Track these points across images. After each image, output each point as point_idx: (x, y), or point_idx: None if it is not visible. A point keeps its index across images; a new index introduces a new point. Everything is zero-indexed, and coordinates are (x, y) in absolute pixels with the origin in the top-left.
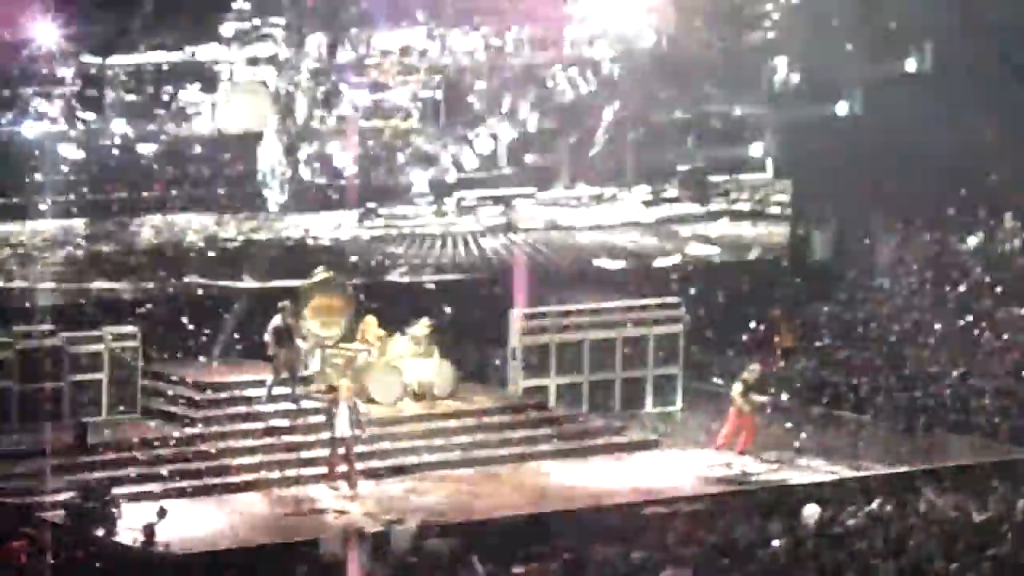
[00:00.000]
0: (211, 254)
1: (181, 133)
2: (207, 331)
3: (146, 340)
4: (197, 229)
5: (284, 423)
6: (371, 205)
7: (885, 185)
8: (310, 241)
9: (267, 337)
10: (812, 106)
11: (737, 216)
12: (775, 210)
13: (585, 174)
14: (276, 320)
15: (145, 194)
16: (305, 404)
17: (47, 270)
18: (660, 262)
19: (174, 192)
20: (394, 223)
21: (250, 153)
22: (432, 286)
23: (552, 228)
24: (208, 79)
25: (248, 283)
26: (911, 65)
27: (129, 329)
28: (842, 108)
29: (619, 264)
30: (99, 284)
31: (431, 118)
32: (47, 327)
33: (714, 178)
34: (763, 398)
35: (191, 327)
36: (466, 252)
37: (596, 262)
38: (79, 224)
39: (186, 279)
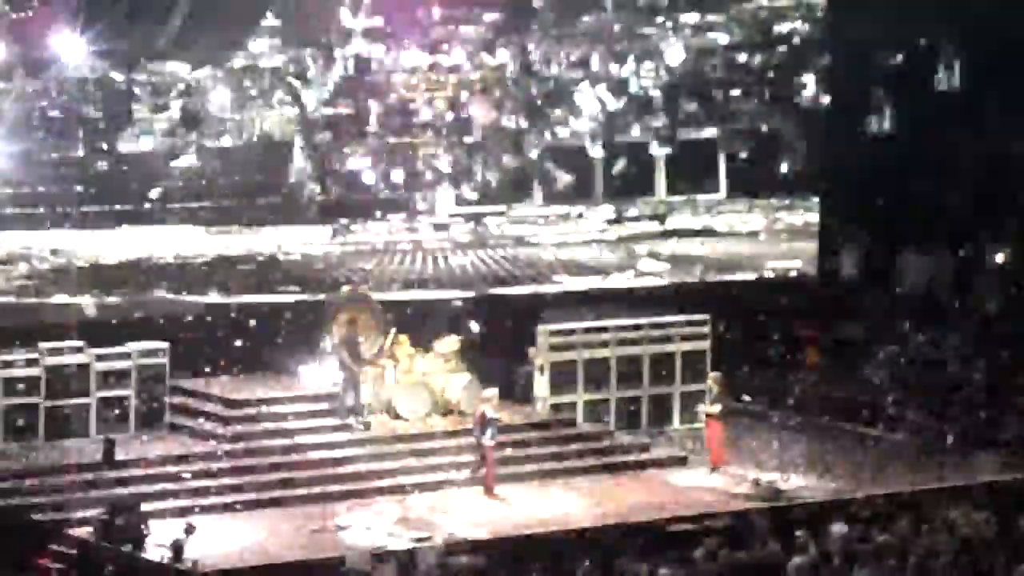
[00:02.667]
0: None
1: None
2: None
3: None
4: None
5: (312, 439)
6: (344, 221)
7: (914, 202)
8: (281, 256)
9: (337, 351)
10: (841, 123)
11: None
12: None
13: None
14: (342, 336)
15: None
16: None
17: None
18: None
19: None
20: (365, 239)
21: (279, 166)
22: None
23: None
24: (238, 94)
25: (215, 298)
26: (942, 83)
27: (157, 344)
28: (872, 125)
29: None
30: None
31: (457, 136)
32: (75, 343)
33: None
34: (713, 407)
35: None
36: (434, 268)
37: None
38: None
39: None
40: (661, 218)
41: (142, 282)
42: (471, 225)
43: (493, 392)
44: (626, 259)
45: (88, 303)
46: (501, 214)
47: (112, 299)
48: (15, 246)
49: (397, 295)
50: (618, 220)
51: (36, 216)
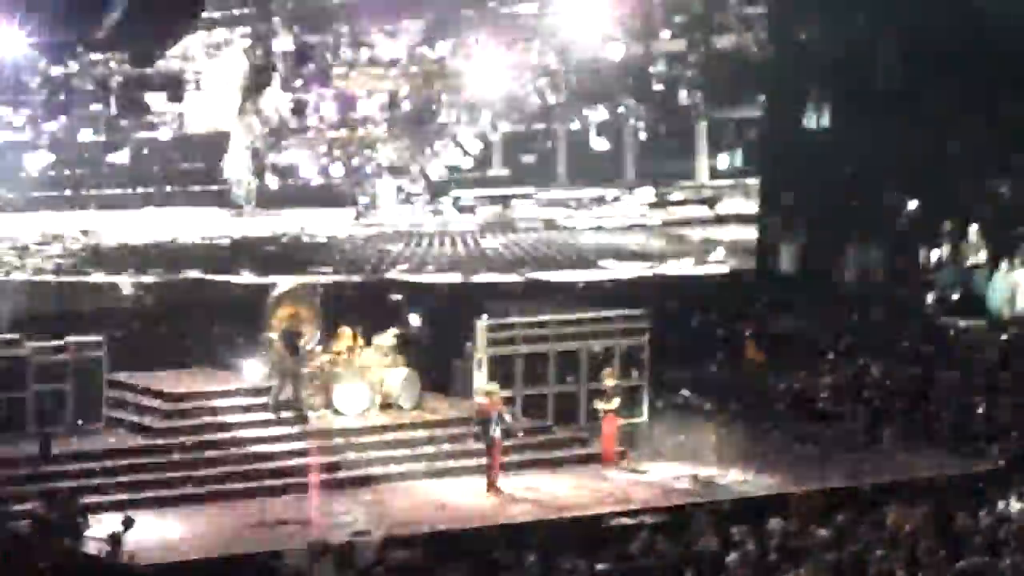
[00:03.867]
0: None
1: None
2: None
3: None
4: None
5: (250, 433)
6: (365, 201)
7: (851, 198)
8: (305, 238)
9: (274, 345)
10: (781, 118)
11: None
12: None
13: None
14: (284, 327)
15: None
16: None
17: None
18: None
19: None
20: (389, 221)
21: (216, 157)
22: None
23: (551, 228)
24: (175, 88)
25: (248, 278)
26: (879, 80)
27: (94, 338)
28: (810, 121)
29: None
30: (98, 278)
31: (398, 128)
32: (11, 336)
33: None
34: (607, 405)
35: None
36: (465, 250)
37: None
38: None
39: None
40: (711, 202)
41: (172, 263)
42: (498, 208)
43: (494, 386)
44: (678, 246)
45: (125, 283)
46: (528, 196)
47: (147, 279)
48: (48, 227)
49: (434, 278)
50: (661, 204)
51: (59, 199)
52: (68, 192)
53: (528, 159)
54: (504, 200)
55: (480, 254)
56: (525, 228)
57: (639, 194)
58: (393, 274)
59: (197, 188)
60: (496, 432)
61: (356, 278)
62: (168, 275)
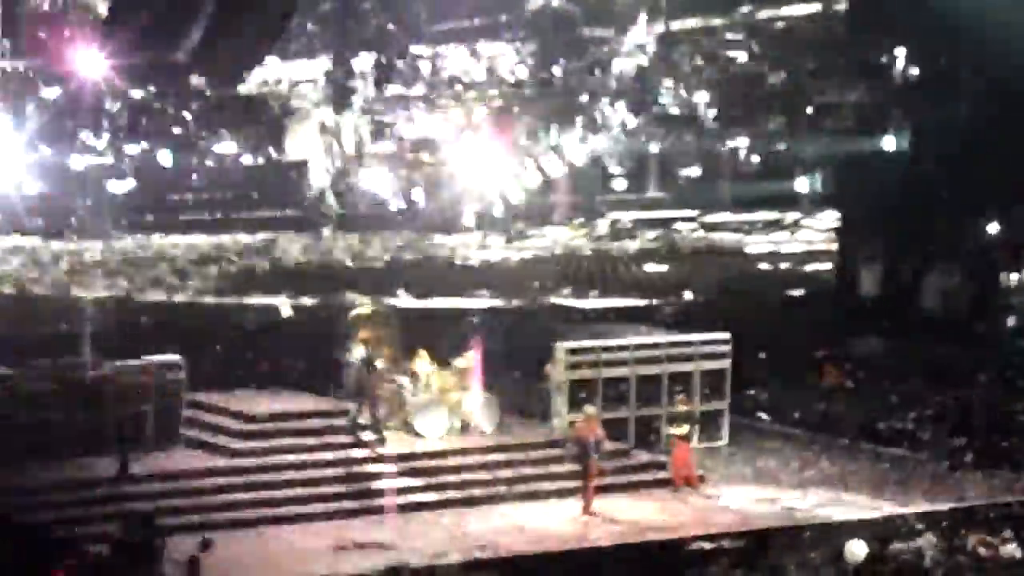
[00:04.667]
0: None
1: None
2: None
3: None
4: (342, 248)
5: (328, 456)
6: (519, 226)
7: (932, 222)
8: (458, 262)
9: (351, 367)
10: (859, 141)
11: None
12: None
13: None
14: (360, 350)
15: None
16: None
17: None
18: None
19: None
20: (543, 244)
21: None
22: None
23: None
24: (256, 110)
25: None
26: (890, 144)
27: (174, 358)
28: (889, 143)
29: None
30: (256, 300)
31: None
32: (93, 358)
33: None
34: (678, 431)
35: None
36: (627, 274)
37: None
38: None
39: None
40: None
41: (328, 284)
42: (660, 231)
43: (594, 409)
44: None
45: (284, 304)
46: (692, 219)
47: (306, 300)
48: (206, 246)
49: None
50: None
51: (199, 221)
52: (151, 216)
53: (687, 177)
54: (665, 223)
55: (644, 279)
56: (691, 252)
57: (822, 218)
58: (557, 299)
59: (277, 213)
60: (594, 456)
61: (517, 302)
62: (327, 297)
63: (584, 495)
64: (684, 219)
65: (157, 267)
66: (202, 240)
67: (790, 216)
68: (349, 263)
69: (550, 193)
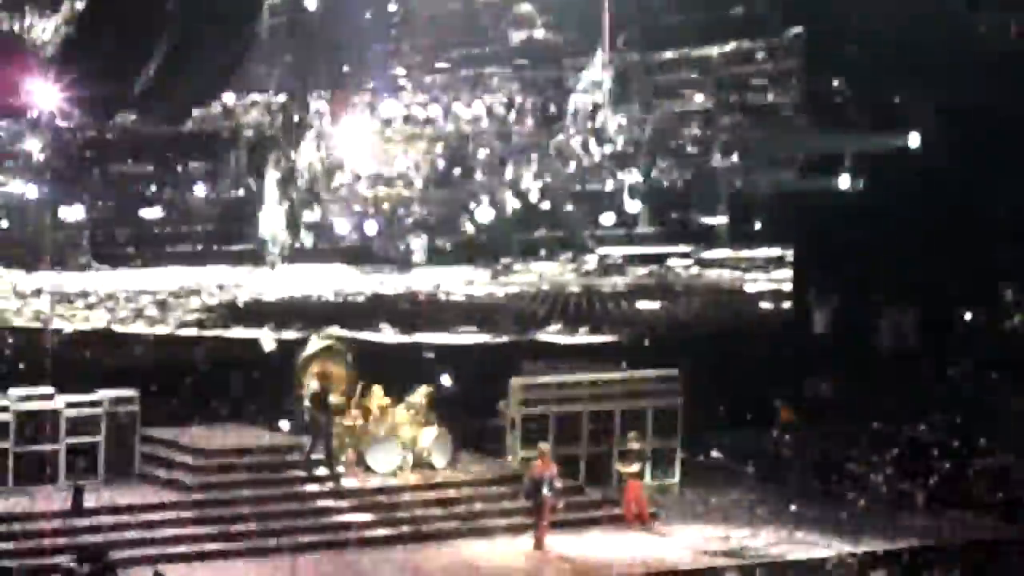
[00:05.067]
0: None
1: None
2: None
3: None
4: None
5: (281, 491)
6: (506, 261)
7: (885, 260)
8: (442, 296)
9: (305, 403)
10: (813, 179)
11: None
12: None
13: None
14: (314, 385)
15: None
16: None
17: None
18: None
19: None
20: (527, 279)
21: (251, 218)
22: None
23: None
24: (208, 147)
25: (390, 336)
26: (915, 140)
27: (127, 393)
28: (844, 182)
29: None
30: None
31: (433, 186)
32: (46, 390)
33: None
34: (632, 467)
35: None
36: (618, 312)
37: None
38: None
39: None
40: None
41: (310, 318)
42: (651, 268)
43: (547, 446)
44: None
45: (267, 338)
46: (686, 255)
47: (289, 334)
48: (186, 281)
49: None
50: None
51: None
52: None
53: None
54: (659, 259)
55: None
56: (684, 290)
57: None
58: (544, 335)
59: (231, 247)
60: (547, 493)
61: (503, 338)
62: (308, 331)
63: (536, 531)
64: (679, 255)
65: (138, 300)
66: (178, 273)
67: (791, 254)
68: (330, 297)
69: (534, 228)
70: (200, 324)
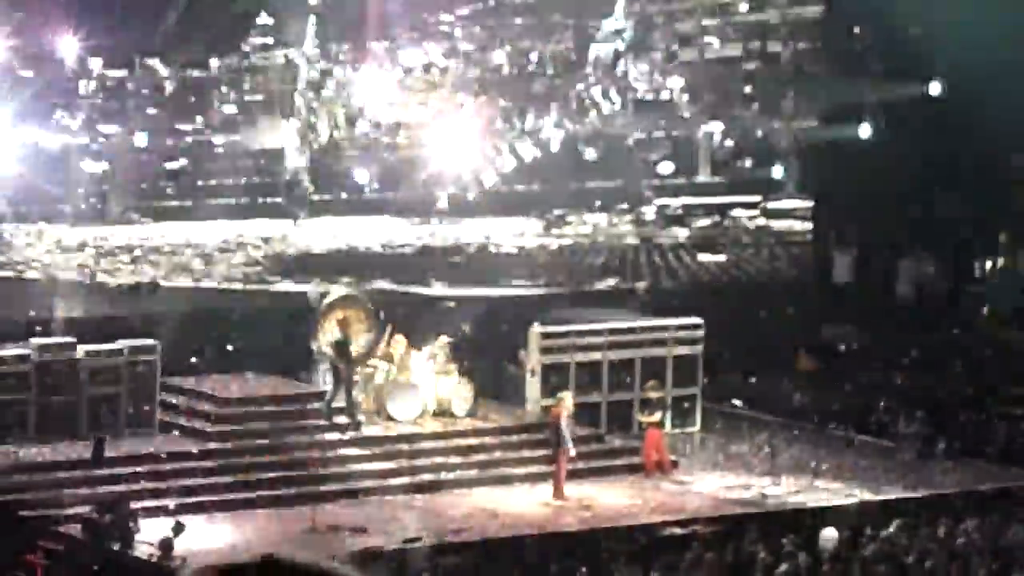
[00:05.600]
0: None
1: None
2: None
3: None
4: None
5: (303, 439)
6: (559, 212)
7: (905, 208)
8: (492, 248)
9: (326, 351)
10: (833, 129)
11: None
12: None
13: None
14: (336, 334)
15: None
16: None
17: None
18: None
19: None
20: (584, 232)
21: (272, 165)
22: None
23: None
24: (230, 93)
25: (438, 289)
26: (935, 88)
27: (148, 342)
28: (864, 131)
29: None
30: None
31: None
32: (67, 340)
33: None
34: (648, 418)
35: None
36: (680, 265)
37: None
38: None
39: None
40: None
41: (359, 272)
42: (714, 219)
43: (567, 394)
44: None
45: (313, 291)
46: (753, 206)
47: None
48: (229, 234)
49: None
50: None
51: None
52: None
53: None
54: (720, 210)
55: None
56: (745, 243)
57: None
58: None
59: (251, 199)
60: (568, 442)
61: (559, 290)
62: (357, 284)
63: (555, 480)
64: (743, 205)
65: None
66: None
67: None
68: (378, 249)
69: (587, 178)
70: (246, 278)
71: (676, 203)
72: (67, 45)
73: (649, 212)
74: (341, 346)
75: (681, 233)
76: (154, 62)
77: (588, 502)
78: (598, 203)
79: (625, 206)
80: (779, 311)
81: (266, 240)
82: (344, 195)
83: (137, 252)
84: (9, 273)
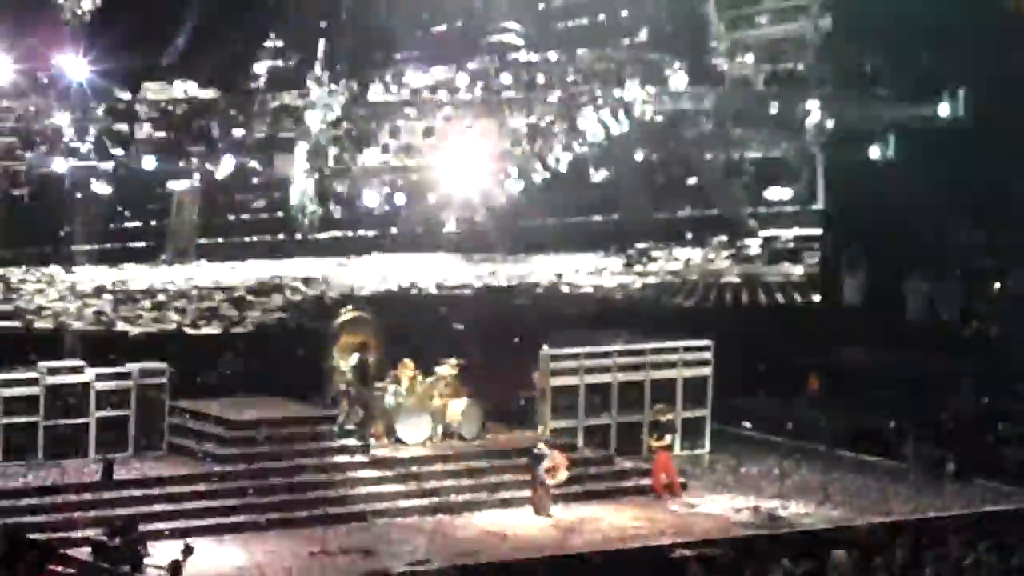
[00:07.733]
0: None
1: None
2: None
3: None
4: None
5: (311, 461)
6: (642, 246)
7: (917, 231)
8: (564, 288)
9: (345, 372)
10: (846, 150)
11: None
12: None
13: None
14: (354, 358)
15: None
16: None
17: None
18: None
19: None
20: (670, 267)
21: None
22: None
23: None
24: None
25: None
26: (944, 110)
27: (157, 366)
28: (875, 153)
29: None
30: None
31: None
32: (76, 363)
33: None
34: (659, 443)
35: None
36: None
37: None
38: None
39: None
40: None
41: (410, 313)
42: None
43: (547, 439)
44: None
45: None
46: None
47: None
48: (264, 275)
49: None
50: None
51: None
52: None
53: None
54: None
55: None
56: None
57: None
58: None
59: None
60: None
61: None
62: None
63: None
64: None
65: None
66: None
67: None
68: (433, 291)
69: (679, 207)
70: (283, 325)
71: (786, 233)
72: (76, 67)
73: (754, 245)
74: (360, 368)
75: (794, 270)
76: (161, 84)
77: (597, 524)
78: (688, 235)
79: (723, 238)
80: (784, 332)
81: (306, 281)
82: (356, 221)
83: (160, 297)
84: (17, 323)
